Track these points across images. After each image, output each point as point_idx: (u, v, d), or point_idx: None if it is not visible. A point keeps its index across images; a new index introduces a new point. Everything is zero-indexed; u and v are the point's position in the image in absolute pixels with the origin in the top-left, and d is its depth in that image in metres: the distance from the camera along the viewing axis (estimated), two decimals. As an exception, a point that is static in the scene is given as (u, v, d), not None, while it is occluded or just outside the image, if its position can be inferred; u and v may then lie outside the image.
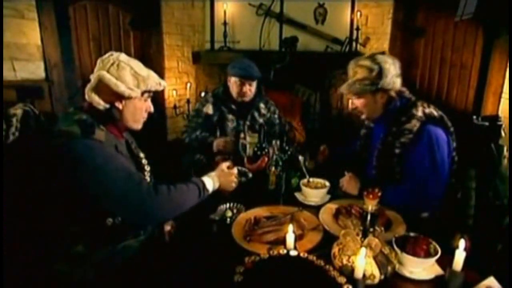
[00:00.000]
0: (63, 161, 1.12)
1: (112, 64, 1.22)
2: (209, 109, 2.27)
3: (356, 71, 1.58)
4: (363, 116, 1.69)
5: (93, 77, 1.24)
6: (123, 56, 1.26)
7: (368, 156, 1.74)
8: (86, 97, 1.24)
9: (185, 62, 3.73)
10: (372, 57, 1.56)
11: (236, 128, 2.28)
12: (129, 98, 1.25)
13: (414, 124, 1.51)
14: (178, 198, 1.23)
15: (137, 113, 1.32)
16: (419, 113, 1.53)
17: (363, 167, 1.77)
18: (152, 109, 1.38)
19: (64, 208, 1.16)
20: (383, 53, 1.57)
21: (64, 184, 1.13)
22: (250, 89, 2.25)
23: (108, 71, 1.21)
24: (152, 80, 1.29)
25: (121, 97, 1.24)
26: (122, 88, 1.21)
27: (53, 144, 1.14)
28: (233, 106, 2.29)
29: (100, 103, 1.22)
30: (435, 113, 1.55)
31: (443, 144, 1.50)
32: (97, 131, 1.18)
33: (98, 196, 1.14)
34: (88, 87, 1.24)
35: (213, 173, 1.42)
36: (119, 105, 1.26)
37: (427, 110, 1.54)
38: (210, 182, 1.37)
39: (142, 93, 1.29)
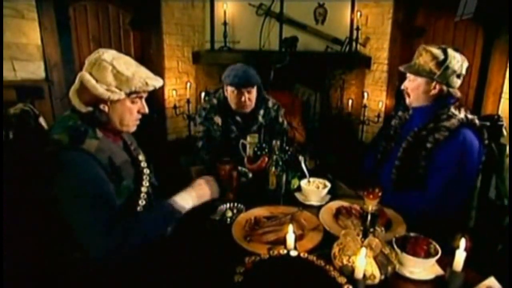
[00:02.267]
0: (49, 171, 1.10)
1: (94, 64, 1.15)
2: (219, 120, 2.15)
3: (421, 53, 1.57)
4: (408, 101, 1.67)
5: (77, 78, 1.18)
6: (107, 55, 1.17)
7: (393, 148, 1.71)
8: (71, 98, 1.18)
9: (185, 62, 3.73)
10: (443, 47, 1.54)
11: (238, 137, 2.13)
12: (113, 100, 1.17)
13: (453, 123, 1.49)
14: (144, 231, 1.13)
15: (126, 116, 1.24)
16: (461, 115, 1.51)
17: (380, 162, 1.75)
18: (146, 110, 1.28)
19: (56, 216, 1.14)
20: (456, 49, 1.56)
21: (50, 193, 1.10)
22: (250, 98, 2.07)
23: (90, 72, 1.15)
24: (138, 81, 1.18)
25: (103, 99, 1.16)
26: (100, 90, 1.13)
27: (42, 152, 1.12)
28: (238, 118, 2.17)
29: (81, 106, 1.17)
30: (477, 121, 1.53)
31: (475, 152, 1.49)
32: (88, 141, 1.14)
33: (67, 215, 1.10)
34: (72, 88, 1.19)
35: (186, 191, 1.30)
36: (104, 107, 1.19)
37: (469, 116, 1.53)
38: (184, 201, 1.25)
39: (129, 94, 1.20)
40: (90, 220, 1.06)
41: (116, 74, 1.16)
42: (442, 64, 1.50)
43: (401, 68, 1.65)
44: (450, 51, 1.52)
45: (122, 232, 1.06)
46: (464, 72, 1.55)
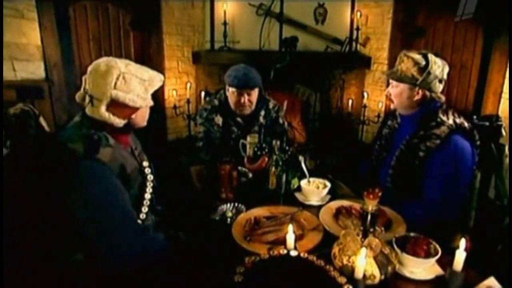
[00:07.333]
0: (63, 181, 1.10)
1: (118, 79, 1.15)
2: (219, 121, 2.17)
3: (403, 60, 1.59)
4: (392, 106, 1.70)
5: (98, 95, 1.15)
6: (121, 64, 1.17)
7: (386, 157, 1.73)
8: (101, 118, 1.17)
9: (185, 62, 3.73)
10: (423, 53, 1.55)
11: (238, 138, 2.14)
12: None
13: (443, 131, 1.50)
14: (156, 253, 1.20)
15: (146, 115, 1.32)
16: (450, 121, 1.52)
17: (376, 172, 1.77)
18: (152, 102, 1.32)
19: (61, 219, 1.14)
20: (437, 54, 1.58)
21: (60, 201, 1.11)
22: (250, 99, 2.06)
23: (115, 88, 1.15)
24: (156, 81, 1.26)
25: (137, 108, 1.23)
26: (139, 102, 1.19)
27: (55, 160, 1.12)
28: (239, 119, 2.17)
29: (122, 122, 1.20)
30: (466, 124, 1.54)
31: (468, 156, 1.50)
32: (102, 150, 1.14)
33: (86, 227, 1.11)
34: (102, 108, 1.16)
35: None
36: (133, 115, 1.24)
37: (458, 120, 1.54)
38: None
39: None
40: (113, 228, 1.12)
41: (140, 82, 1.20)
42: (424, 70, 1.52)
43: (386, 74, 1.69)
44: (431, 57, 1.53)
45: (147, 242, 1.17)
46: (445, 77, 1.57)
